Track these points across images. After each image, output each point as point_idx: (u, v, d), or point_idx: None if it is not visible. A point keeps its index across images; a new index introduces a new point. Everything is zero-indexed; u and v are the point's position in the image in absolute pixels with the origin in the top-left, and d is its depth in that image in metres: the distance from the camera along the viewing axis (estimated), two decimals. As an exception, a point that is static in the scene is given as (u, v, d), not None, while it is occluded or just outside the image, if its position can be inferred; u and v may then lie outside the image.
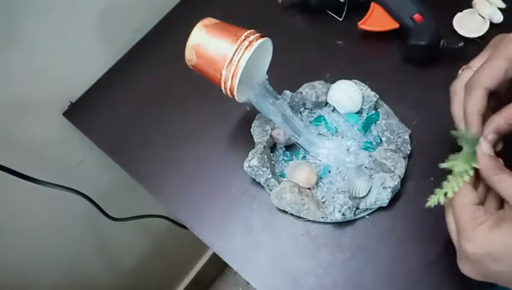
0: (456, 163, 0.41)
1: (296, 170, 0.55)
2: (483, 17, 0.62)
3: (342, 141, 0.57)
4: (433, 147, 0.56)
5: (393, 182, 0.51)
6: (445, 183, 0.40)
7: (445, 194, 0.40)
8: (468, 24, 0.63)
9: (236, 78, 0.47)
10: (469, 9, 0.64)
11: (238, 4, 0.74)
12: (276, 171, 0.57)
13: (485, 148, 0.40)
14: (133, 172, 0.62)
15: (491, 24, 0.62)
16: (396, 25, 0.62)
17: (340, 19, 0.68)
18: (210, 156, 0.61)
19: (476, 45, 0.62)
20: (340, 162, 0.56)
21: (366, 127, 0.57)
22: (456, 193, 0.39)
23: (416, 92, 0.61)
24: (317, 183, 0.55)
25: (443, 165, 0.41)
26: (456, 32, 0.63)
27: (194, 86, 0.63)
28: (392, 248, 0.52)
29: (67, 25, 0.64)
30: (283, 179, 0.56)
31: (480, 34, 0.62)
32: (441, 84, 0.60)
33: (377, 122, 0.57)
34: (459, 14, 0.64)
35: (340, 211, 0.51)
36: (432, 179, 0.54)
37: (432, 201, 0.41)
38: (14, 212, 0.70)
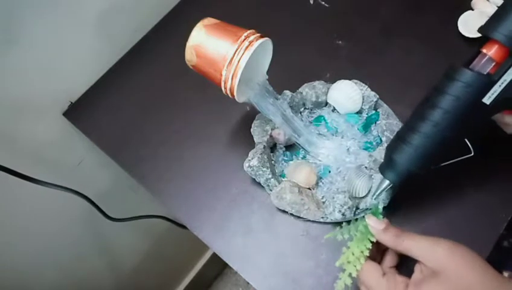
0: (351, 250, 0.43)
1: (296, 170, 0.55)
2: (487, 18, 0.62)
3: (342, 141, 0.57)
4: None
5: (393, 182, 0.51)
6: (345, 266, 0.43)
7: (350, 274, 0.42)
8: (472, 25, 0.63)
9: (236, 78, 0.47)
10: (473, 11, 0.64)
11: (238, 4, 0.74)
12: (276, 171, 0.57)
13: (374, 224, 0.44)
14: (133, 172, 0.62)
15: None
16: None
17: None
18: (210, 156, 0.61)
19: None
20: (340, 162, 0.56)
21: (366, 127, 0.57)
22: (363, 273, 0.42)
23: (416, 92, 0.60)
24: (317, 183, 0.55)
25: (339, 263, 0.43)
26: (460, 33, 0.63)
27: (194, 86, 0.63)
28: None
29: (67, 25, 0.64)
30: (283, 179, 0.56)
31: None
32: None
33: (377, 122, 0.57)
34: (463, 15, 0.64)
35: (340, 211, 0.51)
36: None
37: (339, 286, 0.42)
38: (13, 213, 0.70)
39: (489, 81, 0.41)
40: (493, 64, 0.41)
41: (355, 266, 0.42)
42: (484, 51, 0.42)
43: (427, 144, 0.43)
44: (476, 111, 0.42)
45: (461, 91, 0.41)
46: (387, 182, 0.47)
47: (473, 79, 0.41)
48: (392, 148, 0.46)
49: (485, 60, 0.42)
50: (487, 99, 0.41)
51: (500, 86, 0.41)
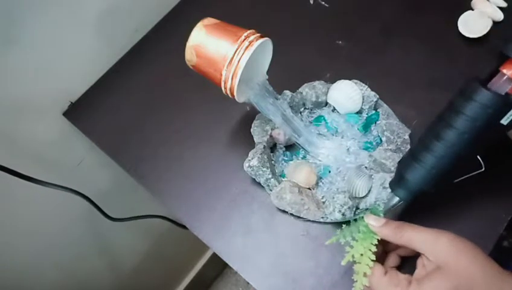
0: (355, 249, 0.43)
1: (296, 170, 0.55)
2: (487, 18, 0.62)
3: (342, 141, 0.57)
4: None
5: (393, 182, 0.51)
6: (356, 267, 0.43)
7: (365, 274, 0.42)
8: (472, 25, 0.63)
9: (236, 78, 0.47)
10: (473, 11, 0.64)
11: (238, 4, 0.74)
12: (276, 171, 0.57)
13: (373, 221, 0.44)
14: (133, 172, 0.62)
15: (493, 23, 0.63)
16: None
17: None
18: (210, 156, 0.61)
19: (479, 45, 0.62)
20: (340, 162, 0.56)
21: (366, 127, 0.57)
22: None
23: (416, 92, 0.61)
24: (317, 183, 0.55)
25: (345, 261, 0.43)
26: (460, 33, 0.63)
27: (194, 86, 0.63)
28: (392, 247, 0.52)
29: (68, 25, 0.64)
30: (283, 179, 0.56)
31: (484, 33, 0.62)
32: (441, 84, 0.61)
33: (377, 122, 0.57)
34: (463, 15, 0.64)
35: (340, 211, 0.51)
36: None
37: (357, 288, 0.42)
38: (13, 213, 0.70)
39: (507, 102, 0.39)
40: None
41: (367, 265, 0.42)
42: (504, 71, 0.40)
43: (440, 164, 0.42)
44: (492, 131, 0.41)
45: (478, 112, 0.40)
46: (397, 198, 0.46)
47: (490, 100, 0.39)
48: (404, 166, 0.45)
49: (503, 79, 0.40)
50: (505, 120, 0.40)
51: None
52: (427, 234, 0.41)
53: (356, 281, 0.42)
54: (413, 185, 0.44)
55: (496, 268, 0.39)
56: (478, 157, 0.44)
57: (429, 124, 0.44)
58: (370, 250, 0.42)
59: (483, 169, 0.44)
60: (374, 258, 0.42)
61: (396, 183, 0.46)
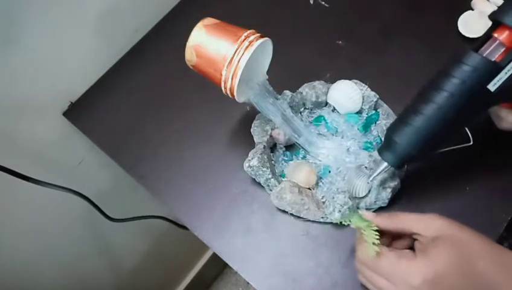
0: (359, 224, 0.43)
1: (296, 170, 0.55)
2: (487, 17, 0.62)
3: (342, 141, 0.57)
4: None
5: (393, 182, 0.51)
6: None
7: (373, 243, 0.41)
8: (472, 25, 0.63)
9: (236, 78, 0.47)
10: (473, 11, 0.64)
11: (238, 4, 0.74)
12: (276, 171, 0.57)
13: (367, 213, 0.44)
14: (133, 172, 0.62)
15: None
16: None
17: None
18: (210, 156, 0.61)
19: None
20: (340, 162, 0.56)
21: (366, 127, 0.57)
22: (361, 252, 0.42)
23: (416, 92, 0.61)
24: (317, 183, 0.55)
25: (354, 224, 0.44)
26: (460, 33, 0.63)
27: (194, 86, 0.63)
28: (392, 248, 0.52)
29: (68, 25, 0.64)
30: (283, 179, 0.56)
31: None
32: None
33: (377, 122, 0.57)
34: (463, 15, 0.64)
35: (340, 211, 0.51)
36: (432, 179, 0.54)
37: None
38: (13, 213, 0.70)
39: (496, 67, 0.41)
40: (503, 49, 0.41)
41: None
42: (496, 35, 0.42)
43: (428, 126, 0.43)
44: (479, 97, 0.42)
45: (468, 75, 0.41)
46: (385, 164, 0.47)
47: (480, 63, 0.41)
48: (392, 130, 0.46)
49: (495, 44, 0.42)
50: (492, 86, 0.41)
51: (506, 73, 0.41)
52: (422, 215, 0.42)
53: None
54: (401, 148, 0.45)
55: (494, 242, 0.40)
56: (467, 130, 0.44)
57: (418, 90, 0.45)
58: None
59: (471, 143, 0.45)
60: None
61: (384, 148, 0.47)
